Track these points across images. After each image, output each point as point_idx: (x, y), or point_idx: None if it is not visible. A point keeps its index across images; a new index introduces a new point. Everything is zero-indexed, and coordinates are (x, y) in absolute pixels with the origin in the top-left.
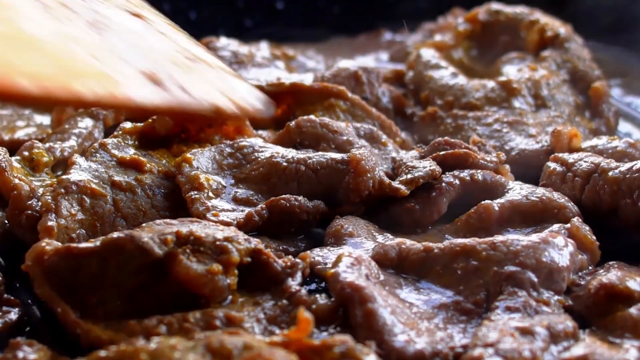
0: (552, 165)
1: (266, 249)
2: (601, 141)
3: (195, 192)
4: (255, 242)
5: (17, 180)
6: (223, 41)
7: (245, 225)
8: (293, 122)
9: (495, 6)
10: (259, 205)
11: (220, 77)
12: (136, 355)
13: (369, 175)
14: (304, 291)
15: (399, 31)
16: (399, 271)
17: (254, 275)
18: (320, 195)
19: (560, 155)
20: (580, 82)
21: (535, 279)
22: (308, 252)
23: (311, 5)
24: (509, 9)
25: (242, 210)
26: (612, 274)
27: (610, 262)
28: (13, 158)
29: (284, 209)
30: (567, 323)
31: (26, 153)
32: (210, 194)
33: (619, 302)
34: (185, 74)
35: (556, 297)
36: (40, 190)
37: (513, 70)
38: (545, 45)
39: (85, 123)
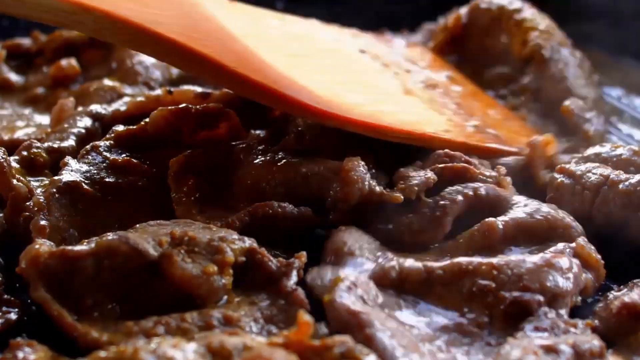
0: (559, 177)
1: (260, 248)
2: (604, 149)
3: (183, 194)
4: (250, 242)
5: (15, 181)
6: None
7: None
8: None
9: (482, 4)
10: (242, 212)
11: None
12: (136, 355)
13: (358, 185)
14: (300, 290)
15: (400, 31)
16: (399, 292)
17: (250, 275)
18: (309, 202)
19: (566, 166)
20: (554, 109)
21: (540, 303)
22: (303, 252)
23: (311, 5)
24: (495, 4)
25: (227, 214)
26: (634, 293)
27: (635, 280)
28: (12, 158)
29: (266, 215)
30: (593, 342)
31: (25, 153)
32: (198, 196)
33: None
34: None
35: (583, 321)
36: (39, 191)
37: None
38: (526, 61)
39: (85, 123)
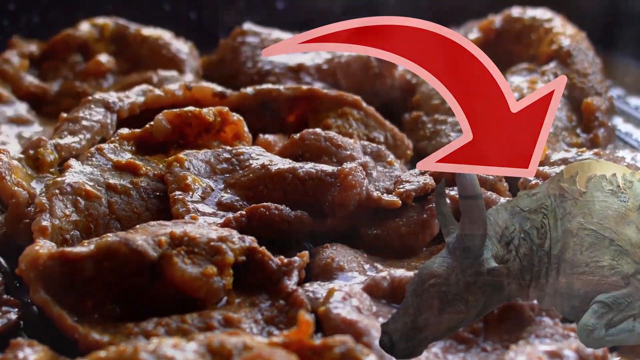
0: (531, 178)
1: (261, 247)
2: (570, 154)
3: (180, 193)
4: (250, 240)
5: (16, 187)
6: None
7: None
8: (298, 134)
9: (515, 13)
10: (239, 212)
11: None
12: (136, 355)
13: (355, 190)
14: (301, 291)
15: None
16: (391, 301)
17: (250, 274)
18: (306, 206)
19: (540, 168)
20: (577, 98)
21: (533, 307)
22: (306, 252)
23: (311, 5)
24: (528, 14)
25: (223, 216)
26: None
27: None
28: (16, 156)
29: (262, 217)
30: None
31: (32, 151)
32: (195, 197)
33: None
34: None
35: None
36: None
37: (518, 82)
38: (552, 58)
39: (98, 116)
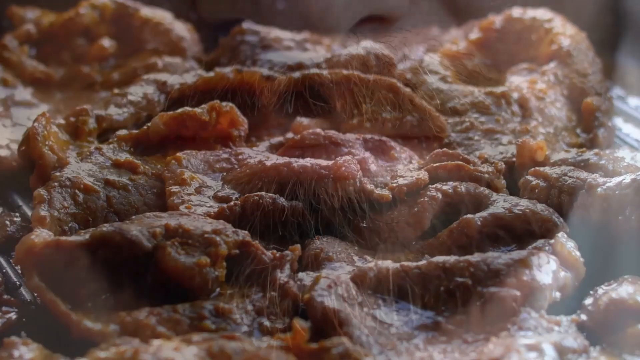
0: (532, 179)
1: (254, 241)
2: (570, 154)
3: (176, 186)
4: (244, 234)
5: (46, 149)
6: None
7: (216, 219)
8: (298, 135)
9: (516, 13)
10: (233, 202)
11: None
12: (136, 357)
13: (349, 182)
14: (292, 283)
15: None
16: (377, 292)
17: (243, 267)
18: (301, 200)
19: (541, 169)
20: (577, 99)
21: (517, 299)
22: (297, 245)
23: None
24: (529, 14)
25: (218, 207)
26: (622, 289)
27: (625, 276)
28: (57, 122)
29: (256, 204)
30: (577, 340)
31: (72, 119)
32: (191, 190)
33: (630, 317)
34: None
35: (569, 317)
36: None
37: (517, 82)
38: (552, 58)
39: (147, 90)
